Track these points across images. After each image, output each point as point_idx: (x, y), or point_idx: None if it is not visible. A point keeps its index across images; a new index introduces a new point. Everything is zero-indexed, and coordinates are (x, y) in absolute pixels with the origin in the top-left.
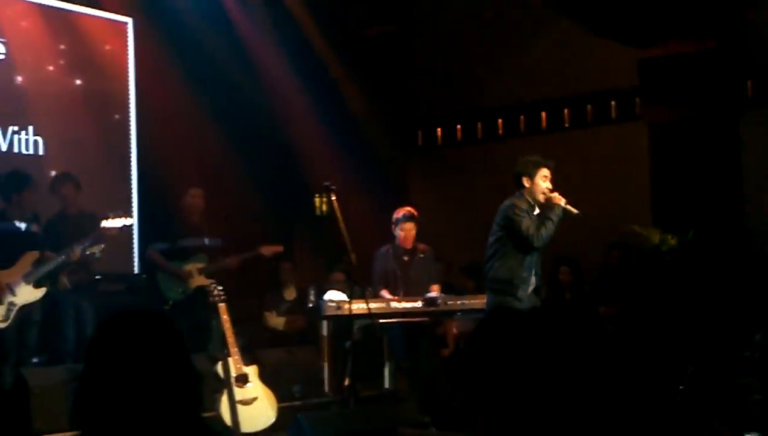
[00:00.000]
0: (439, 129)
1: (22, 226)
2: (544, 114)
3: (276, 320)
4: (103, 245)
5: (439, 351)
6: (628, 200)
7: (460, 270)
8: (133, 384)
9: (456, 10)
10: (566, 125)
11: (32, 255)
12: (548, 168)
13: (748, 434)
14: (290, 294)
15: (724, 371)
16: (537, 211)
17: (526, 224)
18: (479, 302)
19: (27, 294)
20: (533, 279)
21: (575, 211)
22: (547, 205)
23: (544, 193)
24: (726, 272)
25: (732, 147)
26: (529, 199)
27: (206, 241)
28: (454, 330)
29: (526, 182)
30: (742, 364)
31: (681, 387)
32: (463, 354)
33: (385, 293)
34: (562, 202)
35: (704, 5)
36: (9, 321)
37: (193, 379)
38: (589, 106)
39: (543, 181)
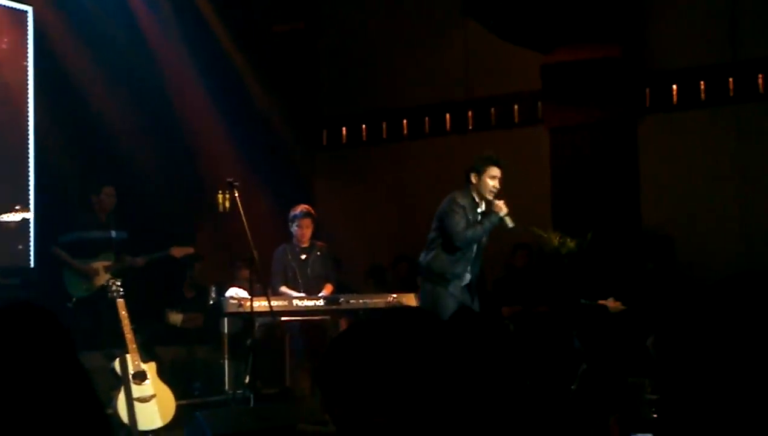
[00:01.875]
0: (344, 128)
1: None
2: (448, 116)
3: (175, 317)
4: None
5: None
6: (530, 202)
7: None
8: (13, 380)
9: (362, 10)
10: (470, 128)
11: None
12: (498, 167)
13: (640, 434)
14: (189, 291)
15: (617, 370)
16: (482, 208)
17: (456, 220)
18: (381, 300)
19: None
20: (467, 275)
21: (511, 224)
22: (490, 209)
23: (491, 193)
24: (622, 273)
25: (630, 152)
26: (475, 196)
27: (113, 233)
28: None
29: (473, 178)
30: (634, 364)
31: (573, 386)
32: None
33: (285, 289)
34: (502, 212)
35: (606, 13)
36: None
37: (80, 372)
38: (492, 110)
39: (491, 180)
